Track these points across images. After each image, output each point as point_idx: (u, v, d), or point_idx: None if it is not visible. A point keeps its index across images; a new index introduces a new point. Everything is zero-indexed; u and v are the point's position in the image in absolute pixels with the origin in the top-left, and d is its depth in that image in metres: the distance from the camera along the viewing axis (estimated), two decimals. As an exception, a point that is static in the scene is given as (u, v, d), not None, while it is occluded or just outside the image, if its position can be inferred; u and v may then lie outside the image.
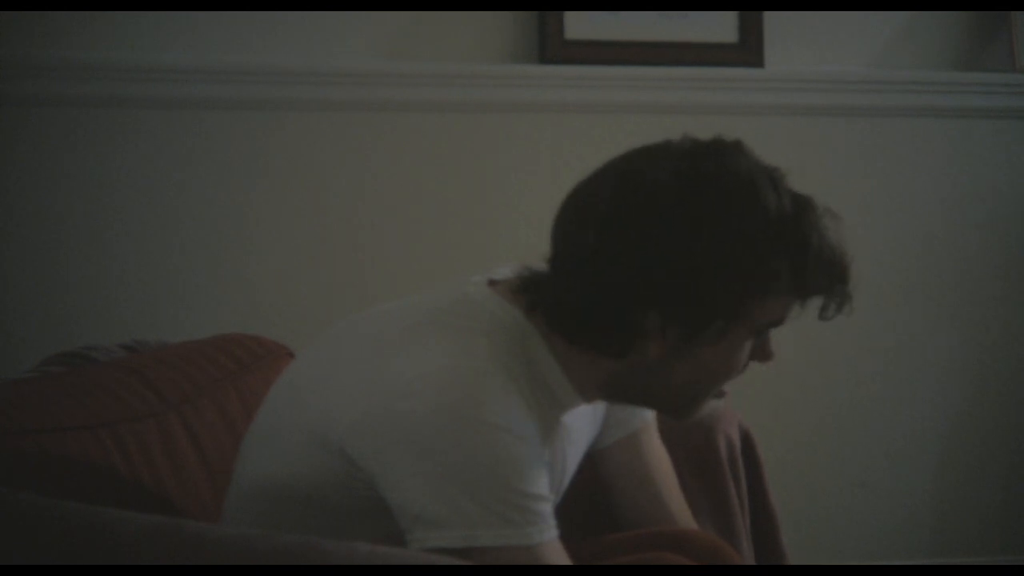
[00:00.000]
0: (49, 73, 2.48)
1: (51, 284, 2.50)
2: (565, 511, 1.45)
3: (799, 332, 2.91)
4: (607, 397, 1.46)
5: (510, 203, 2.70)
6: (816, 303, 1.42)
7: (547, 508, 1.31)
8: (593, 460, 1.66)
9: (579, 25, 2.68)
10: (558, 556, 1.31)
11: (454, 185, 2.68)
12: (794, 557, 1.91)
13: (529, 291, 1.41)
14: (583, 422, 1.55)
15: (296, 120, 2.60)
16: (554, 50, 2.67)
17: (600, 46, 2.70)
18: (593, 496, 1.69)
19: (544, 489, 1.32)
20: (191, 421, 1.64)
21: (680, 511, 1.68)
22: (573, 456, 1.55)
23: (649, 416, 1.67)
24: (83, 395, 1.55)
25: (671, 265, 1.31)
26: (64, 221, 2.51)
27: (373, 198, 2.65)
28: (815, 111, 2.83)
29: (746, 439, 1.85)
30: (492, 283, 1.45)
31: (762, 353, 1.42)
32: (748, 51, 2.76)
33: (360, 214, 2.64)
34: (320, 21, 2.60)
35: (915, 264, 2.90)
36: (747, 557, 1.78)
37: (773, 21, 2.78)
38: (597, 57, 2.70)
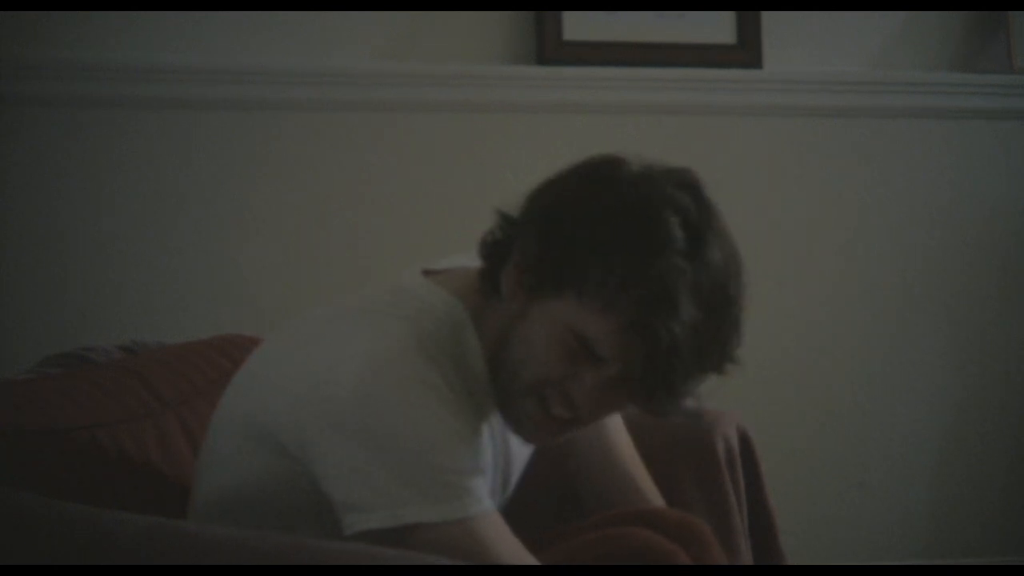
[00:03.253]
0: (47, 73, 2.48)
1: (49, 285, 2.50)
2: (535, 503, 1.45)
3: (798, 333, 2.92)
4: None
5: (509, 204, 2.69)
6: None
7: (475, 482, 1.32)
8: (561, 449, 1.66)
9: (577, 26, 2.68)
10: (495, 529, 1.32)
11: (452, 186, 2.68)
12: (792, 558, 1.91)
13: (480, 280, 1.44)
14: None
15: (294, 121, 2.60)
16: (552, 51, 2.67)
17: (598, 47, 2.70)
18: (563, 486, 1.69)
19: (469, 463, 1.33)
20: (189, 422, 1.64)
21: (651, 490, 1.68)
22: (520, 443, 1.56)
23: None
24: (81, 396, 1.55)
25: (546, 217, 1.40)
26: (62, 222, 2.51)
27: (371, 199, 2.65)
28: (813, 112, 2.83)
29: (744, 440, 1.85)
30: (427, 272, 1.48)
31: (642, 398, 1.38)
32: (746, 52, 2.76)
33: (358, 215, 2.64)
34: (319, 22, 2.60)
35: (913, 264, 2.90)
36: (745, 558, 1.78)
37: (771, 22, 2.78)
38: (595, 58, 2.70)
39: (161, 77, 2.53)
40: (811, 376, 2.85)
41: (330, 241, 2.63)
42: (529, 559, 1.34)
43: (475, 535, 1.29)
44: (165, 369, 1.70)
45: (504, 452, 1.52)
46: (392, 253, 2.64)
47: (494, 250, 1.43)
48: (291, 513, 1.37)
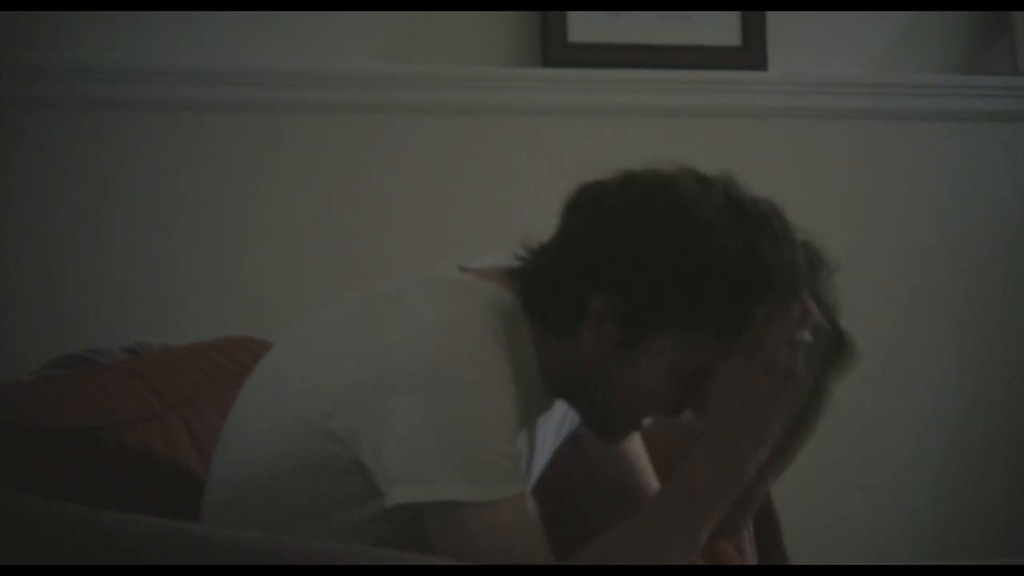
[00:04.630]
0: (49, 75, 2.48)
1: (53, 286, 2.50)
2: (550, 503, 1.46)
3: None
4: (556, 389, 1.46)
5: (512, 206, 2.70)
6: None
7: (514, 465, 1.32)
8: (577, 443, 1.66)
9: (582, 27, 2.68)
10: (522, 512, 1.32)
11: (455, 188, 2.68)
12: (796, 561, 1.91)
13: (517, 271, 1.44)
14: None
15: (295, 122, 2.60)
16: (557, 52, 2.67)
17: (603, 49, 2.70)
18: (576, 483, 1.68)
19: (513, 448, 1.33)
20: (192, 423, 1.63)
21: (651, 483, 1.69)
22: (546, 434, 1.56)
23: None
24: (84, 397, 1.55)
25: (623, 257, 1.35)
26: (65, 223, 2.51)
27: (374, 201, 2.65)
28: (817, 113, 2.83)
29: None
30: (463, 270, 1.48)
31: (699, 400, 1.41)
32: (751, 54, 2.76)
33: (361, 217, 2.64)
34: (321, 23, 2.60)
35: (917, 267, 2.90)
36: (750, 559, 1.78)
37: (776, 24, 2.78)
38: (600, 60, 2.70)
39: (162, 78, 2.53)
40: (815, 379, 2.85)
41: (331, 242, 2.63)
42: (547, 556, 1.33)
43: (504, 517, 1.29)
44: (166, 369, 1.69)
45: (530, 442, 1.52)
46: (393, 254, 2.64)
47: (544, 285, 1.41)
48: (321, 500, 1.36)
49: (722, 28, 2.75)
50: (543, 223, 2.76)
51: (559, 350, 1.41)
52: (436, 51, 2.66)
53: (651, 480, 1.69)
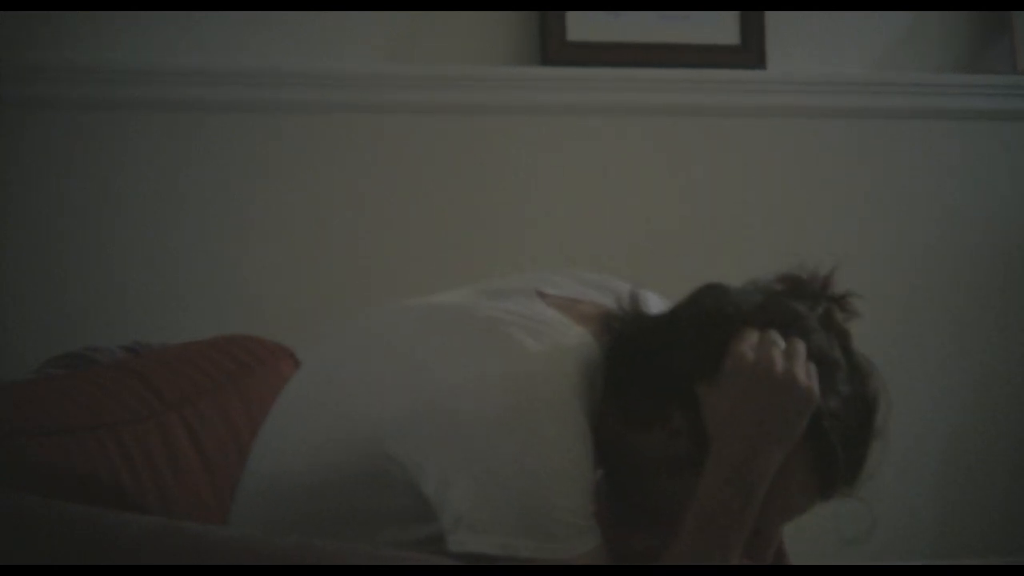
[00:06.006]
0: (49, 75, 2.48)
1: (52, 286, 2.50)
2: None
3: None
4: (599, 458, 1.41)
5: (511, 205, 2.70)
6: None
7: (590, 521, 1.29)
8: None
9: (581, 27, 2.68)
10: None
11: (454, 188, 2.68)
12: (796, 561, 1.90)
13: (611, 325, 1.39)
14: None
15: (296, 123, 2.60)
16: (556, 52, 2.67)
17: (602, 48, 2.70)
18: None
19: (589, 502, 1.29)
20: (192, 422, 1.63)
21: None
22: None
23: None
24: (84, 397, 1.54)
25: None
26: (65, 223, 2.51)
27: (373, 201, 2.65)
28: (817, 113, 2.82)
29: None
30: (541, 295, 1.42)
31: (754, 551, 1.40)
32: (750, 53, 2.76)
33: (360, 217, 2.64)
34: (321, 23, 2.60)
35: (917, 266, 2.90)
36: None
37: (775, 23, 2.78)
38: (599, 59, 2.70)
39: (162, 79, 2.53)
40: (815, 378, 2.85)
41: (331, 243, 2.63)
42: None
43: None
44: (166, 369, 1.69)
45: None
46: (393, 255, 2.64)
47: (636, 373, 1.35)
48: (360, 513, 1.32)
49: (721, 27, 2.75)
50: (543, 223, 2.76)
51: (620, 428, 1.36)
52: (436, 51, 2.66)
53: None
